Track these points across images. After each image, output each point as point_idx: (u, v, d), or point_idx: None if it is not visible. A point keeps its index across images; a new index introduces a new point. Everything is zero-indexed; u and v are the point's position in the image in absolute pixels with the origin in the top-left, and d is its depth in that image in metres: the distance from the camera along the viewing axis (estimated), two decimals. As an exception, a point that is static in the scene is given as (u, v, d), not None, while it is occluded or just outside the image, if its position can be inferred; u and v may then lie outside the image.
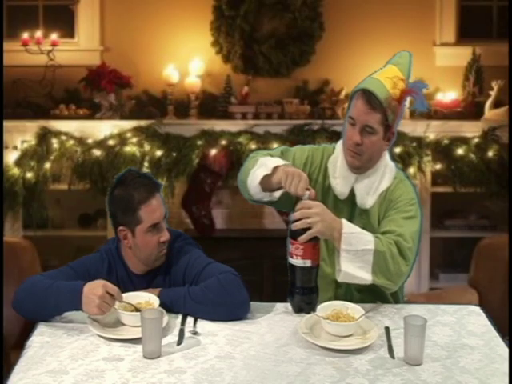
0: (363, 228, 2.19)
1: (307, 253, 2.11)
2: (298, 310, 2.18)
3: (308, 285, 2.15)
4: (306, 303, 2.16)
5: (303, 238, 2.09)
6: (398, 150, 4.02)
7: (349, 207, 2.32)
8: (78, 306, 2.02)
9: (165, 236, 2.20)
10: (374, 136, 2.22)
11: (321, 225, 2.09)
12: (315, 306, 2.10)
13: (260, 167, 2.25)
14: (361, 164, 2.26)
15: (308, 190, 2.12)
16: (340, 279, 2.16)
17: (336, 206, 2.30)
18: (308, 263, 2.12)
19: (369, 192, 2.29)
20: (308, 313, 2.13)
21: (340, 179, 2.32)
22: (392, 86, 2.21)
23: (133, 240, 2.20)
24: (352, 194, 2.32)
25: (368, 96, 2.20)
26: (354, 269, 2.12)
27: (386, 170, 2.32)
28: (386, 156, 2.34)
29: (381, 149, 2.28)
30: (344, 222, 2.15)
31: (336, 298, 2.31)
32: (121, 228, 2.21)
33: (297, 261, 2.12)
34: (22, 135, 4.10)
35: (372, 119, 2.20)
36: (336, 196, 2.33)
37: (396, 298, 2.37)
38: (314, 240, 2.12)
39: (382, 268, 2.12)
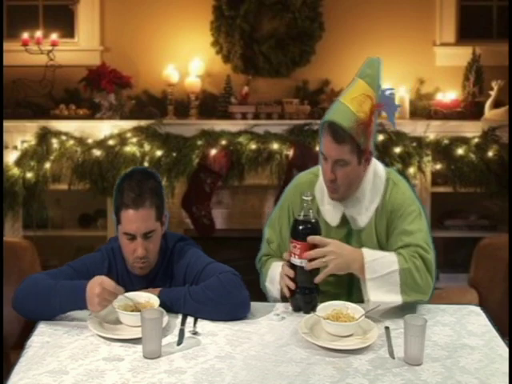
0: (361, 247, 2.17)
1: (304, 253, 2.11)
2: (297, 308, 2.18)
3: (307, 284, 2.15)
4: (305, 302, 2.16)
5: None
6: (397, 150, 4.03)
7: (343, 231, 2.29)
8: (82, 306, 2.03)
9: (137, 252, 2.15)
10: (348, 167, 2.18)
11: (337, 262, 2.10)
12: (315, 307, 2.10)
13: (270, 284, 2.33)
14: (340, 196, 2.23)
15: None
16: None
17: (328, 232, 2.25)
18: (304, 263, 2.12)
19: (360, 212, 2.26)
20: (307, 312, 2.13)
21: (329, 206, 2.29)
22: (358, 107, 2.14)
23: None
24: (344, 218, 2.29)
25: (334, 129, 2.14)
26: (383, 295, 2.10)
27: (375, 184, 2.26)
28: (373, 167, 2.27)
29: (359, 174, 2.23)
30: (364, 250, 2.14)
31: None
32: (114, 217, 2.22)
33: (295, 260, 2.13)
34: (22, 135, 4.10)
35: (342, 153, 2.15)
36: (327, 223, 2.29)
37: None
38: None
39: (410, 285, 2.11)
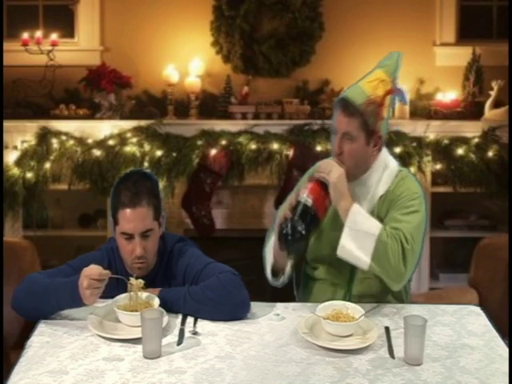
0: None
1: (312, 191, 2.16)
2: (281, 237, 2.16)
3: (300, 223, 2.14)
4: (293, 237, 2.13)
5: (318, 175, 2.18)
6: (398, 150, 4.02)
7: None
8: (79, 302, 2.03)
9: (135, 252, 2.15)
10: (355, 143, 2.22)
11: (336, 183, 2.15)
12: (297, 250, 2.16)
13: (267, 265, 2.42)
14: (346, 173, 2.24)
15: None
16: (338, 253, 2.17)
17: (336, 214, 2.26)
18: (309, 201, 2.15)
19: (366, 197, 2.29)
20: (287, 248, 2.16)
21: None
22: (371, 89, 2.22)
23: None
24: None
25: (345, 104, 2.22)
26: (355, 248, 2.13)
27: (384, 174, 2.31)
28: (385, 159, 2.32)
29: (367, 155, 2.27)
30: (355, 203, 2.18)
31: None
32: (111, 219, 2.23)
33: (302, 195, 2.17)
34: (22, 135, 4.10)
35: (349, 126, 2.21)
36: None
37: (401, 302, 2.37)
38: (324, 187, 2.17)
39: (381, 259, 2.12)
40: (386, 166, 2.32)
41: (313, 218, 2.17)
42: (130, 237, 2.15)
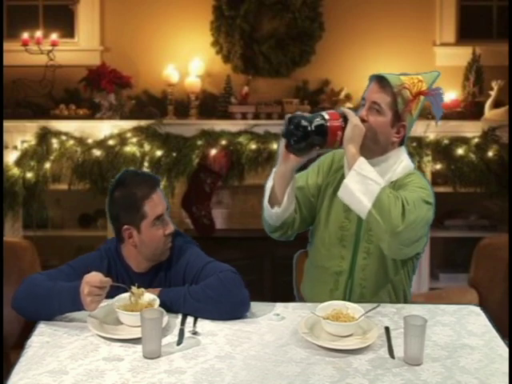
0: None
1: (333, 116, 2.20)
2: (284, 134, 2.20)
3: (308, 124, 2.16)
4: (292, 130, 2.17)
5: (344, 109, 2.25)
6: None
7: None
8: (80, 307, 2.03)
9: (169, 228, 2.25)
10: (381, 116, 2.26)
11: (356, 125, 2.18)
12: (297, 151, 2.19)
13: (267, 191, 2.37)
14: (364, 141, 2.25)
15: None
16: (339, 193, 2.18)
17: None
18: (326, 117, 2.18)
19: None
20: (287, 144, 2.20)
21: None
22: (409, 81, 2.28)
23: (139, 237, 2.22)
24: None
25: (380, 79, 2.28)
26: (357, 190, 2.14)
27: (400, 166, 2.33)
28: (403, 153, 2.36)
29: (388, 136, 2.29)
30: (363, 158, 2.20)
31: (336, 291, 2.32)
32: (125, 227, 2.22)
33: (322, 112, 2.22)
34: (22, 135, 4.10)
35: (380, 97, 2.26)
36: None
37: (405, 297, 2.38)
38: (344, 122, 2.19)
39: (383, 207, 2.11)
40: (402, 161, 2.35)
41: (321, 132, 2.18)
42: (161, 219, 2.23)
